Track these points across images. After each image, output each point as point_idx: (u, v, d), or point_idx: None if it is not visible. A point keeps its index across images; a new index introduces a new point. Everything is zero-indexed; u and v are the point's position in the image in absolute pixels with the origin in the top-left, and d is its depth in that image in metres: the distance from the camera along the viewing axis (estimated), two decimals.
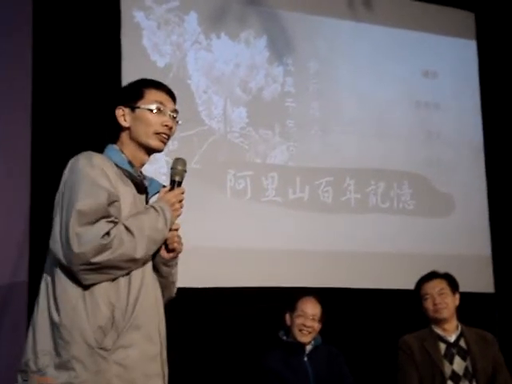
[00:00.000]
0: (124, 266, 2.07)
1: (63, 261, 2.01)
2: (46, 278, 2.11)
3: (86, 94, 3.99)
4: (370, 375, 4.26)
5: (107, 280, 2.06)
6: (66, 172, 2.14)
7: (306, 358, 3.60)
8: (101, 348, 2.01)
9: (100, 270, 2.02)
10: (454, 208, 5.06)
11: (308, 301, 3.67)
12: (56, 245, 2.04)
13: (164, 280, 2.28)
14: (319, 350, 3.65)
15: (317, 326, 3.63)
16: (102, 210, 2.04)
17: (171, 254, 2.26)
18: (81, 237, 1.98)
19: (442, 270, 3.67)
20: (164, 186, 2.31)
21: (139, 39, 4.21)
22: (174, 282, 2.35)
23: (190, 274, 3.89)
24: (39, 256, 3.49)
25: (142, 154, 2.28)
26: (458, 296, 3.61)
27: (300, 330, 3.59)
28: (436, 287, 3.57)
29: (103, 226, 2.02)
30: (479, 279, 4.98)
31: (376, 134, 4.87)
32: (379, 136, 4.88)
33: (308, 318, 3.60)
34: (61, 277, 2.05)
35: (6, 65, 3.98)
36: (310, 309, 3.63)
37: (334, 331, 3.73)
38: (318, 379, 3.56)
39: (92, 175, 2.08)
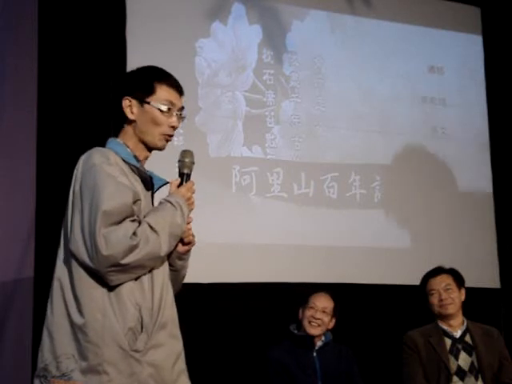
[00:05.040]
0: (149, 265, 2.06)
1: (89, 263, 1.96)
2: (59, 279, 2.05)
3: (92, 91, 3.98)
4: (375, 371, 4.26)
5: (131, 279, 2.03)
6: (80, 169, 2.07)
7: (314, 354, 3.60)
8: (134, 350, 1.99)
9: (128, 271, 1.99)
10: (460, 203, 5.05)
11: (320, 295, 3.69)
12: (78, 247, 1.99)
13: (176, 274, 2.28)
14: (329, 348, 3.65)
15: (327, 319, 3.63)
16: (128, 209, 2.00)
17: (186, 247, 2.25)
18: (109, 239, 1.93)
19: (447, 265, 3.67)
20: (167, 182, 2.27)
21: (145, 31, 4.21)
22: (184, 276, 2.35)
23: (195, 270, 3.88)
24: (45, 251, 3.51)
25: (144, 150, 2.22)
26: (463, 291, 3.61)
27: (309, 322, 3.61)
28: (442, 283, 3.57)
29: (129, 226, 1.98)
30: (485, 274, 4.98)
31: (381, 129, 4.86)
32: (384, 132, 4.87)
33: (318, 311, 3.61)
34: (82, 278, 2.00)
35: (12, 62, 3.98)
36: (321, 302, 3.64)
37: (339, 326, 3.73)
38: (325, 376, 3.56)
39: (113, 173, 2.02)
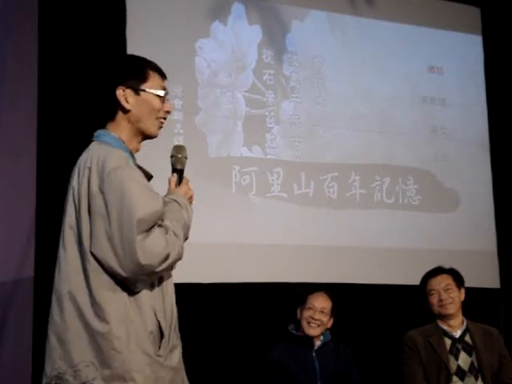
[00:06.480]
0: (170, 269, 2.07)
1: (119, 271, 1.93)
2: (70, 284, 1.98)
3: (92, 91, 3.98)
4: (375, 371, 4.26)
5: None
6: (96, 171, 1.99)
7: (314, 354, 3.61)
8: (158, 355, 1.98)
9: (154, 277, 2.00)
10: (460, 203, 5.05)
11: (318, 295, 3.69)
12: (106, 253, 1.94)
13: None
14: (328, 347, 3.66)
15: (326, 319, 3.63)
16: (159, 216, 2.00)
17: None
18: (145, 247, 1.92)
19: (447, 265, 3.67)
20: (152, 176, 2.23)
21: (145, 33, 4.21)
22: None
23: (195, 270, 3.90)
24: (45, 251, 3.51)
25: (136, 141, 2.17)
26: (463, 291, 3.60)
27: (308, 323, 3.61)
28: (442, 283, 3.57)
29: (159, 233, 1.97)
30: (485, 274, 4.98)
31: (381, 129, 4.86)
32: (384, 132, 4.87)
33: (317, 311, 3.61)
34: (102, 283, 1.95)
35: (12, 63, 3.99)
36: (319, 302, 3.64)
37: (339, 326, 3.73)
38: (324, 375, 3.56)
39: (137, 178, 2.01)
